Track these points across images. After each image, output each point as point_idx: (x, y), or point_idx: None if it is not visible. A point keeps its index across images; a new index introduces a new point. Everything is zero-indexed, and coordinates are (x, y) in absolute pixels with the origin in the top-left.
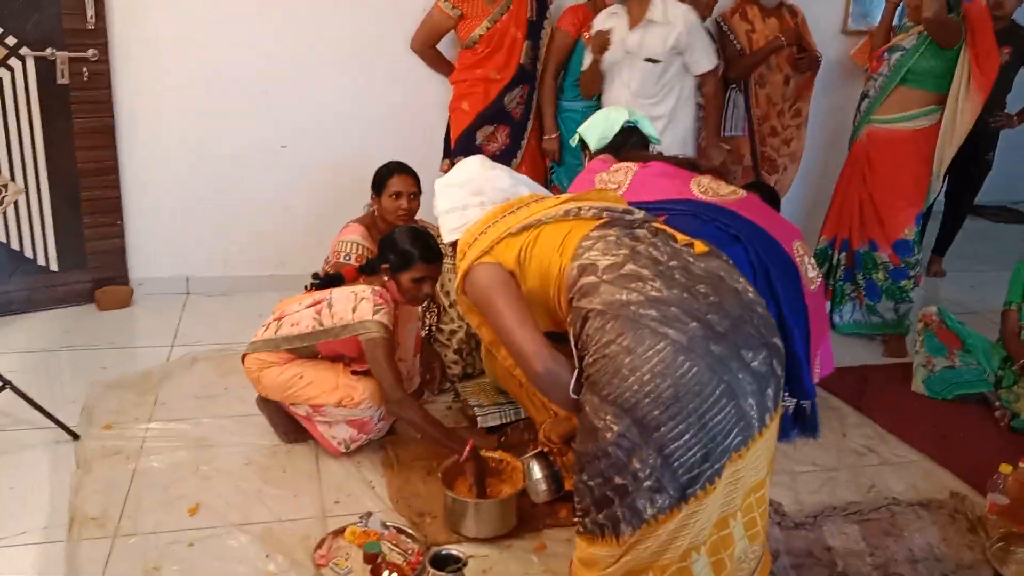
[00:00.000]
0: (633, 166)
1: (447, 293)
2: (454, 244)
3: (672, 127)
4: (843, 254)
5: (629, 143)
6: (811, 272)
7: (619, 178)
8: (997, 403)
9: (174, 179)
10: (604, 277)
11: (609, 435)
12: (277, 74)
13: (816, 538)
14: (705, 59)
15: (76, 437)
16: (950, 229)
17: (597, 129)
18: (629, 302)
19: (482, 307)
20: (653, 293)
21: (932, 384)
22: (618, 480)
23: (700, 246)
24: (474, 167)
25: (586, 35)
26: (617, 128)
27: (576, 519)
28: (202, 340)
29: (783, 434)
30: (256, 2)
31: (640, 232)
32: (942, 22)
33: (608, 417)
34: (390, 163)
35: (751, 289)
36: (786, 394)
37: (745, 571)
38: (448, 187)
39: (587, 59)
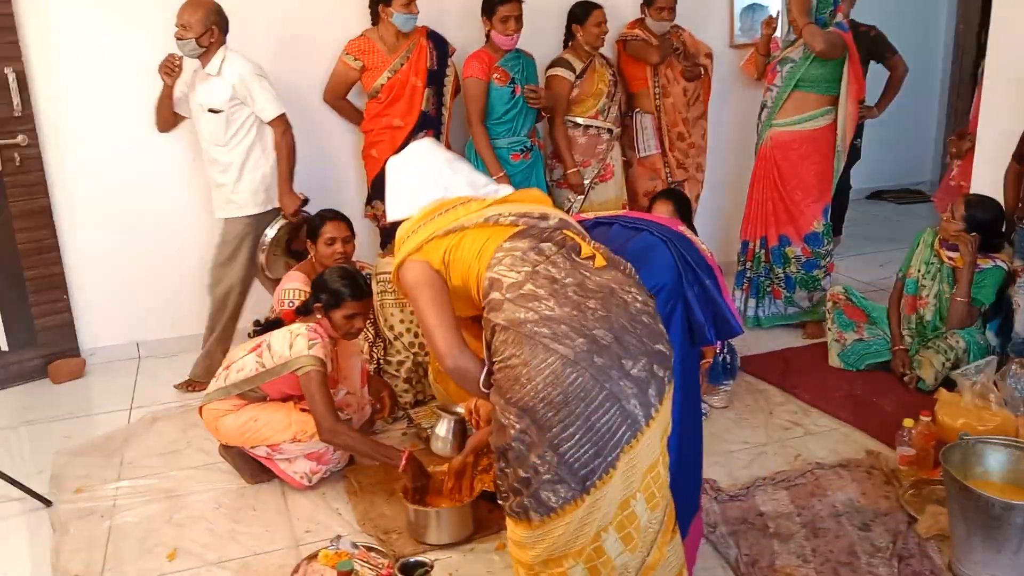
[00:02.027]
0: None
1: (391, 328)
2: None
3: (249, 173)
4: (763, 251)
5: None
6: (702, 245)
7: None
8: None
9: (115, 250)
10: (507, 296)
11: (512, 431)
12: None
13: (749, 506)
14: (268, 107)
15: (48, 504)
16: (838, 211)
17: None
18: (526, 320)
19: (409, 300)
20: (547, 312)
21: (846, 357)
22: (521, 473)
23: (600, 260)
24: (426, 155)
25: (496, 77)
26: None
27: (501, 502)
28: (159, 400)
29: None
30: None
31: (546, 246)
32: (832, 47)
33: (511, 416)
34: (323, 211)
35: (640, 299)
36: (720, 348)
37: (652, 532)
38: (399, 171)
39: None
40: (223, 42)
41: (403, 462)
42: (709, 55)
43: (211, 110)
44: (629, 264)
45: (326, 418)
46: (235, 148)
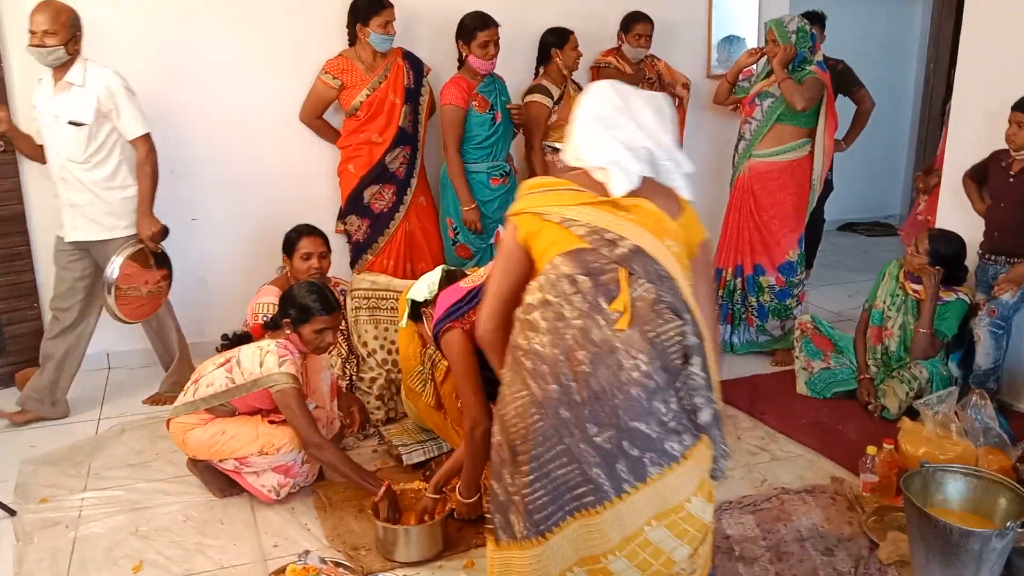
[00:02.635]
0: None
1: (364, 344)
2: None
3: (119, 193)
4: (738, 279)
5: (457, 279)
6: None
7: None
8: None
9: None
10: (520, 315)
11: (494, 440)
12: (182, 149)
13: (715, 530)
14: (133, 124)
15: (13, 513)
16: (811, 244)
17: (422, 286)
18: (519, 346)
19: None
20: (537, 346)
21: (813, 385)
22: (495, 487)
23: (624, 321)
24: (591, 104)
25: (475, 104)
26: (438, 276)
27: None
28: (128, 411)
29: None
30: (155, 81)
31: (583, 279)
32: (811, 100)
33: (496, 427)
34: (299, 226)
35: (643, 368)
36: None
37: None
38: (575, 113)
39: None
40: (80, 49)
41: (381, 492)
42: (686, 85)
43: (72, 123)
44: (670, 329)
45: (311, 434)
46: (97, 167)
